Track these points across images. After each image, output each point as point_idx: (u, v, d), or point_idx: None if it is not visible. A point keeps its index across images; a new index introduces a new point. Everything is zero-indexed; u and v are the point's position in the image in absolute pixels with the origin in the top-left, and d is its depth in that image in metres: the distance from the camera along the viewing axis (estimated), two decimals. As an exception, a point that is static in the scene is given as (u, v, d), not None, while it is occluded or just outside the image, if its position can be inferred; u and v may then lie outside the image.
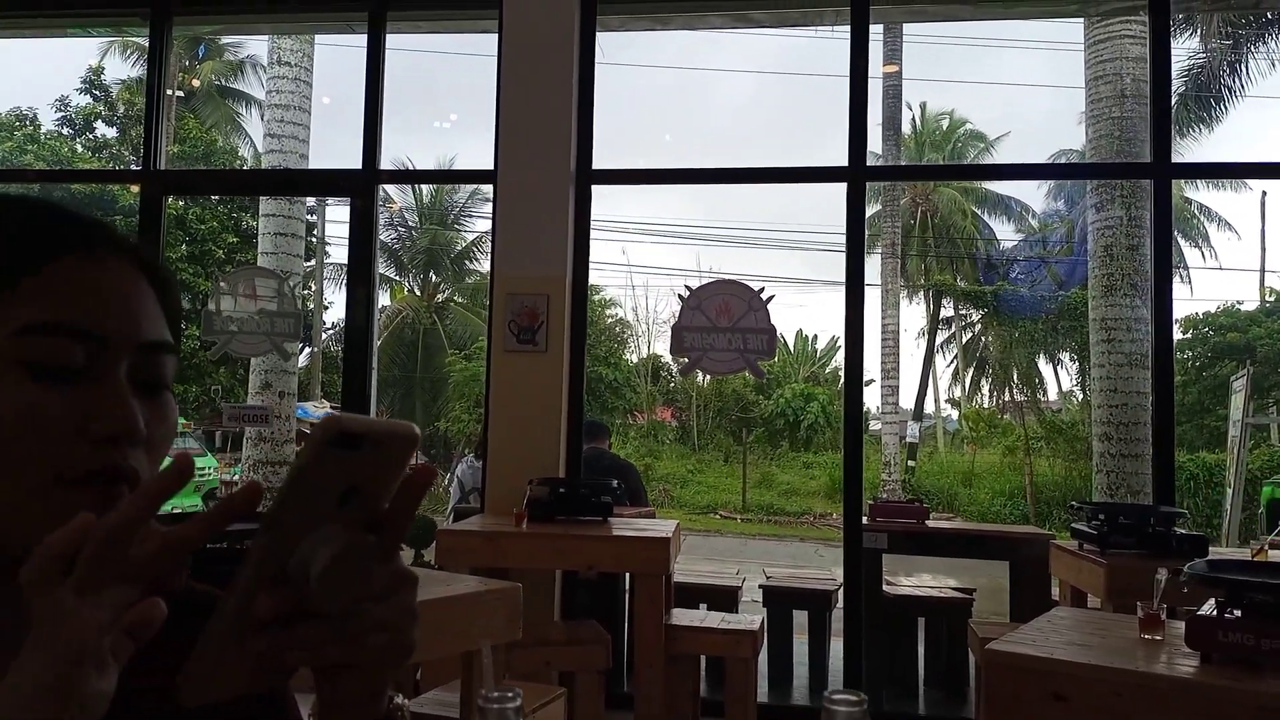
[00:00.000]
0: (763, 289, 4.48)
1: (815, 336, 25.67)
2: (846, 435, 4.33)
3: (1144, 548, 3.23)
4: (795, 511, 17.96)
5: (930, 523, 4.59)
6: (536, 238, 4.34)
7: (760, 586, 4.84)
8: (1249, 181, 18.64)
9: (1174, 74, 4.32)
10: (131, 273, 0.65)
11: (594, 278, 4.53)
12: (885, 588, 4.52)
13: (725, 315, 4.48)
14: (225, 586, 0.54)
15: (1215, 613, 1.81)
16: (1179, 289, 20.49)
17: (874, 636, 4.22)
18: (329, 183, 5.18)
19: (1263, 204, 21.51)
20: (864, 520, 4.30)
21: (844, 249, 4.33)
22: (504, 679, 2.50)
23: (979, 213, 22.77)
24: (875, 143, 16.61)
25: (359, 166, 4.62)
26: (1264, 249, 21.42)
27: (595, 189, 4.47)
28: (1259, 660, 1.74)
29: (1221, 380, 16.45)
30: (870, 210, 20.63)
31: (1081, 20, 8.31)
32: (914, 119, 23.14)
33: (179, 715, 0.69)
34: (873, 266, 17.74)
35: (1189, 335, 17.84)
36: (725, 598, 4.61)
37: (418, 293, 23.40)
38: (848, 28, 4.37)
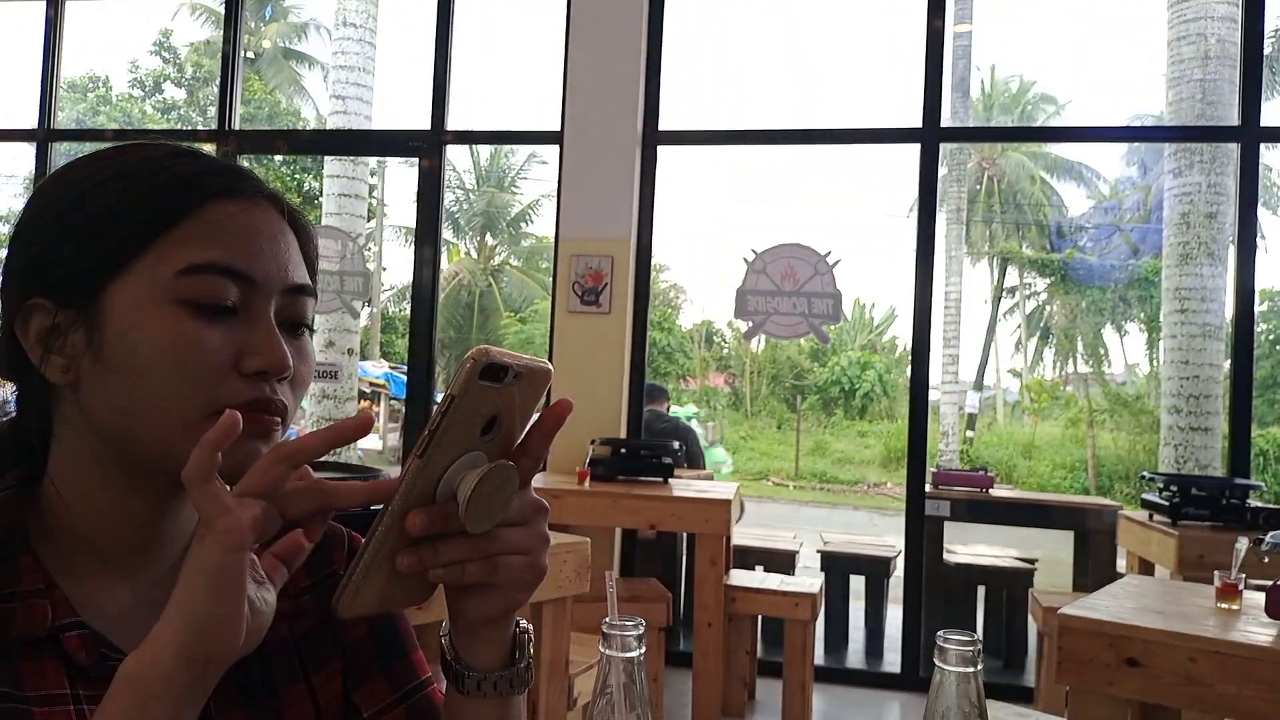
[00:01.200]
0: (829, 252, 4.44)
1: (873, 305, 25.36)
2: (912, 401, 4.30)
3: (1218, 520, 3.16)
4: (849, 480, 17.87)
5: (994, 492, 4.55)
6: (601, 200, 4.35)
7: (819, 551, 4.84)
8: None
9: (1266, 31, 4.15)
10: (277, 218, 0.68)
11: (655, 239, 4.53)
12: (946, 556, 4.49)
13: (790, 279, 4.45)
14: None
15: (1299, 584, 1.78)
16: (1260, 259, 19.77)
17: (933, 604, 4.21)
18: (398, 142, 5.23)
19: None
20: (927, 488, 4.27)
21: (904, 215, 4.28)
22: (567, 632, 2.55)
23: (1048, 179, 22.16)
24: (945, 105, 16.23)
25: (427, 127, 4.66)
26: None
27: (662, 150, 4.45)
28: (1343, 633, 1.71)
29: (1297, 356, 15.91)
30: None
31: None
32: (983, 81, 22.54)
33: (307, 636, 0.74)
34: (938, 232, 17.41)
35: (1264, 308, 17.26)
36: (783, 561, 4.63)
37: (474, 255, 23.60)
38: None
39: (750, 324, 4.54)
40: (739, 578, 3.75)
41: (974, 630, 4.56)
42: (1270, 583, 1.82)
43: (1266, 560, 1.92)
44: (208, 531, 0.53)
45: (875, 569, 4.72)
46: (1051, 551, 5.81)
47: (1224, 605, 1.98)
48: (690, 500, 3.50)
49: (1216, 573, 2.03)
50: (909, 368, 4.53)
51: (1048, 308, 21.86)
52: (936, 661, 0.61)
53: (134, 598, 0.67)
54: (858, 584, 4.79)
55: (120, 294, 0.62)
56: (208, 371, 0.62)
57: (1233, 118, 4.12)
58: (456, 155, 23.20)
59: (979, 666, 0.60)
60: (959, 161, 18.14)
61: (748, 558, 4.64)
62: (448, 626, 0.67)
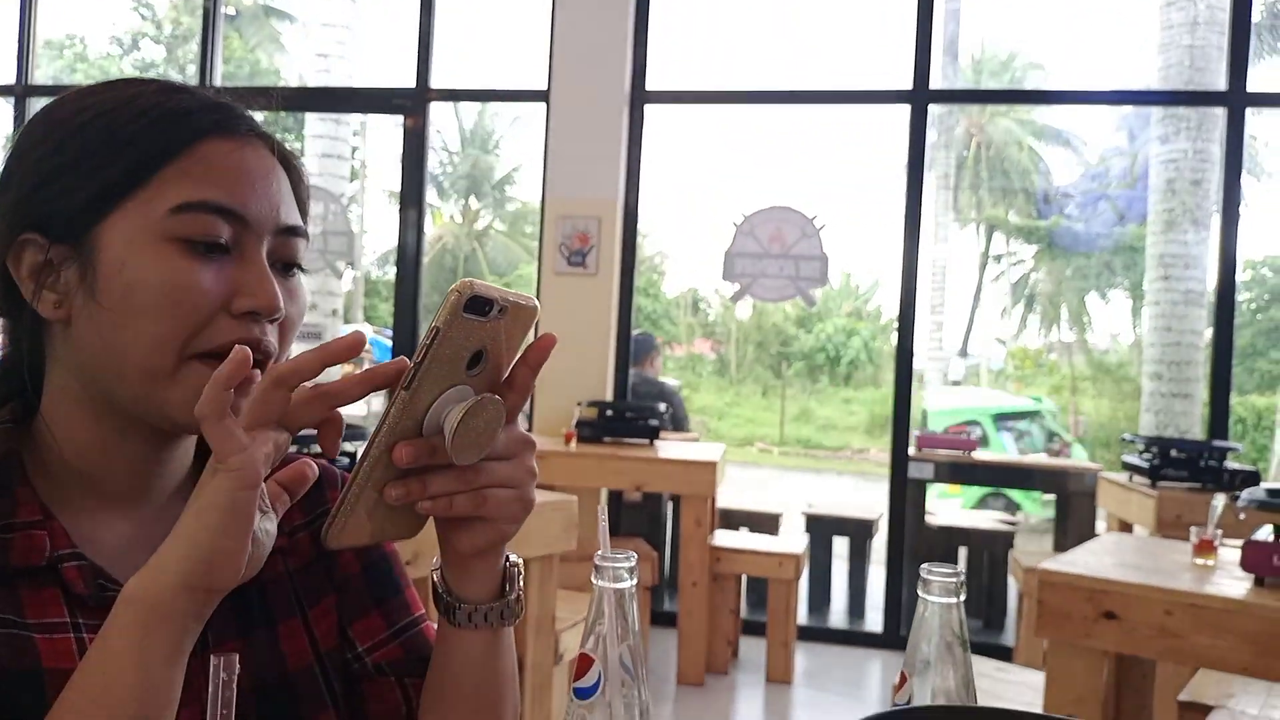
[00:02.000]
0: (816, 216, 4.44)
1: (860, 272, 25.38)
2: (897, 365, 4.32)
3: (1196, 481, 3.21)
4: (834, 446, 18.01)
5: (976, 455, 4.59)
6: (589, 160, 4.32)
7: (803, 514, 4.89)
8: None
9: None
10: (270, 158, 0.68)
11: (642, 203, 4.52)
12: (928, 518, 4.55)
13: (778, 241, 4.45)
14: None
15: (1272, 538, 1.81)
16: (1244, 227, 19.91)
17: (914, 565, 4.26)
18: (382, 100, 5.17)
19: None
20: (911, 450, 4.31)
21: (892, 182, 4.26)
22: (554, 589, 2.58)
23: (1036, 146, 22.13)
24: (935, 68, 16.18)
25: (411, 85, 4.61)
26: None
27: (650, 110, 4.42)
28: (1315, 586, 1.75)
29: (1277, 324, 16.05)
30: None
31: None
32: (974, 51, 22.40)
33: (302, 571, 0.75)
34: (925, 198, 17.40)
35: (1247, 276, 17.38)
36: (767, 523, 4.67)
37: (458, 219, 23.44)
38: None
39: (738, 286, 4.54)
40: (724, 538, 3.79)
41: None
42: (1246, 540, 1.86)
43: (1242, 518, 1.95)
44: (222, 467, 0.54)
45: (858, 531, 4.77)
46: (1030, 517, 5.89)
47: (1200, 561, 2.01)
48: (676, 462, 3.53)
49: (1194, 529, 2.07)
50: (895, 333, 4.55)
51: (1033, 275, 21.94)
52: (920, 593, 0.62)
53: (131, 532, 0.67)
54: (841, 546, 4.85)
55: (113, 230, 0.62)
56: (199, 310, 0.62)
57: (1220, 84, 4.12)
58: (441, 119, 22.95)
59: (961, 597, 0.62)
60: (947, 127, 18.10)
61: (732, 520, 4.68)
62: (439, 561, 0.68)
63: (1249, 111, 4.13)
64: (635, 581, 0.61)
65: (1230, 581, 1.86)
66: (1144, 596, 1.76)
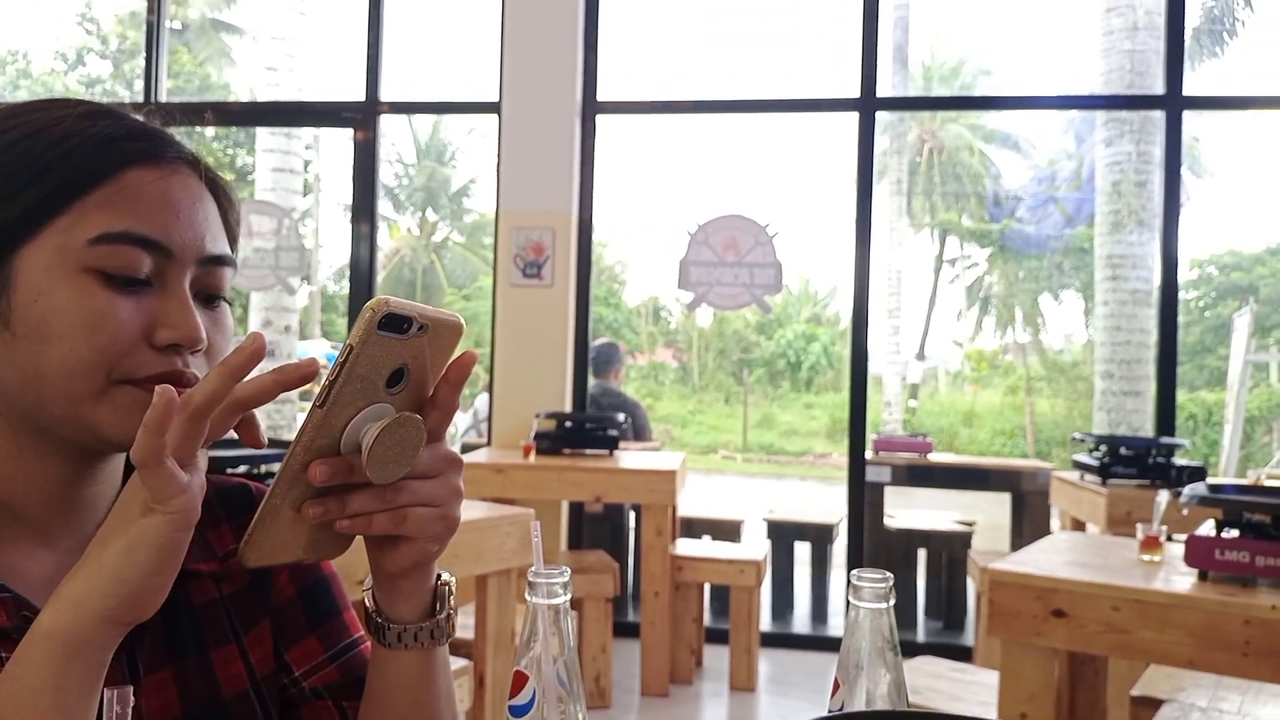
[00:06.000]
0: (769, 224, 4.47)
1: (817, 278, 25.59)
2: (853, 369, 4.35)
3: (1145, 477, 3.27)
4: (796, 451, 18.12)
5: (932, 457, 4.65)
6: (541, 171, 4.32)
7: (764, 520, 4.91)
8: (1259, 121, 18.37)
9: (1188, 3, 4.25)
10: (197, 185, 0.67)
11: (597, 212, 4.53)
12: (886, 521, 4.59)
13: (732, 250, 4.48)
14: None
15: (1214, 533, 1.85)
16: (1185, 226, 20.38)
17: (875, 568, 4.30)
18: (332, 113, 5.12)
19: None
20: (868, 454, 4.35)
21: (847, 186, 4.31)
22: (513, 603, 2.57)
23: (986, 150, 22.51)
24: (885, 78, 16.37)
25: (361, 98, 4.58)
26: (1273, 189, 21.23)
27: (602, 120, 4.43)
28: (1253, 576, 1.79)
29: (1223, 320, 16.44)
30: (878, 146, 20.46)
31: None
32: (923, 57, 22.77)
33: (236, 596, 0.74)
34: (879, 204, 17.59)
35: (1194, 274, 17.79)
36: (729, 530, 4.69)
37: (415, 231, 23.28)
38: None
39: (693, 295, 4.56)
40: (685, 547, 3.79)
41: (915, 593, 4.68)
42: (1189, 534, 1.90)
43: (1186, 513, 1.99)
44: (162, 509, 0.53)
45: (819, 536, 4.80)
46: (990, 516, 5.96)
47: (1146, 557, 2.05)
48: (636, 472, 3.53)
49: (1140, 526, 2.11)
50: (839, 343, 4.59)
51: (987, 277, 22.29)
52: (850, 599, 0.63)
53: (57, 562, 0.66)
54: (803, 551, 4.87)
55: (31, 259, 0.61)
56: (118, 343, 0.61)
57: (1159, 87, 4.22)
58: (395, 131, 22.80)
59: (891, 602, 0.62)
60: (900, 133, 18.35)
61: (695, 528, 4.69)
62: (370, 581, 0.67)
63: (1189, 114, 4.24)
64: (569, 597, 0.61)
65: (1175, 576, 1.90)
66: (1091, 594, 1.79)
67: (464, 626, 2.59)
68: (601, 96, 4.42)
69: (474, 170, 22.84)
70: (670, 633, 3.51)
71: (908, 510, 5.21)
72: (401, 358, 0.56)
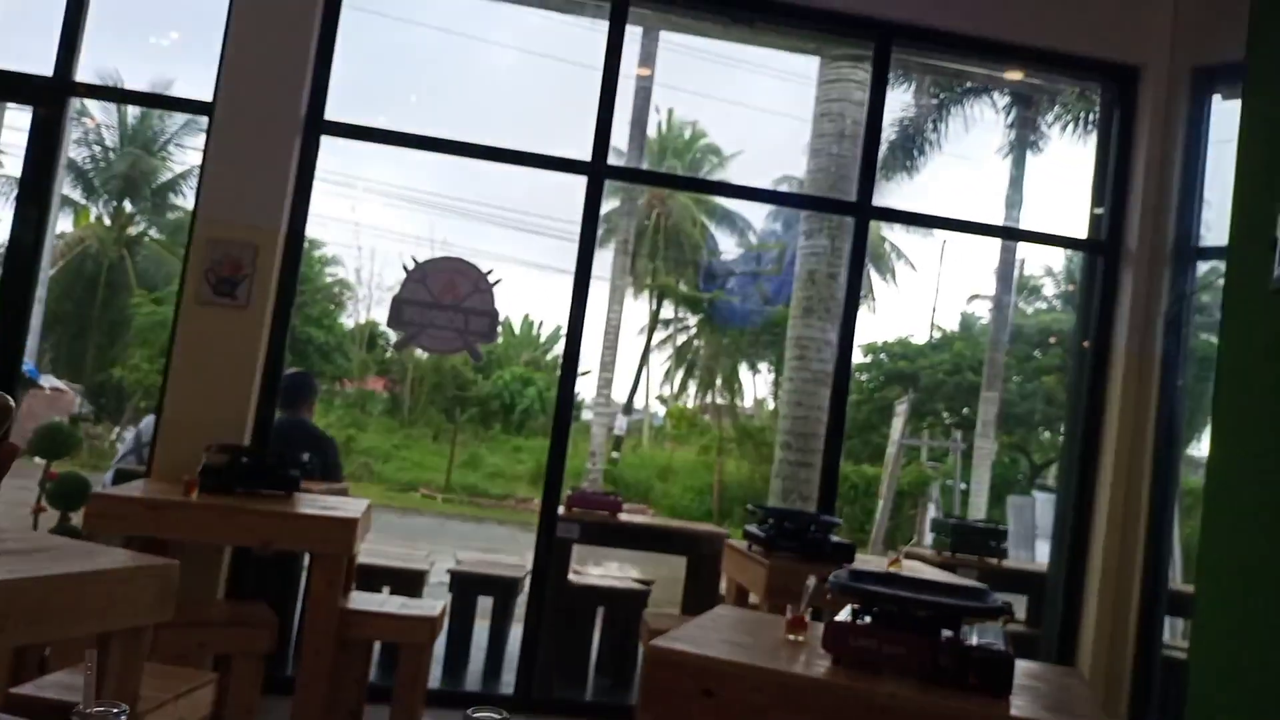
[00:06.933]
0: (490, 270, 4.44)
1: (541, 323, 25.93)
2: (556, 423, 4.36)
3: (803, 552, 3.53)
4: (498, 494, 18.05)
5: (623, 515, 4.77)
6: (252, 184, 4.02)
7: (449, 571, 4.79)
8: (937, 235, 21.03)
9: (886, 124, 4.77)
10: None
11: (317, 233, 4.25)
12: (572, 576, 4.63)
13: (450, 293, 4.40)
14: None
15: (850, 619, 2.01)
16: (866, 317, 22.84)
17: (554, 624, 4.31)
18: (9, 87, 4.45)
19: (942, 251, 24.51)
20: (560, 510, 4.37)
21: (574, 240, 4.37)
22: (140, 664, 2.28)
23: (708, 224, 24.05)
24: (622, 140, 17.02)
25: (50, 74, 4.05)
26: (938, 290, 24.41)
27: (327, 140, 4.22)
28: (880, 663, 1.96)
29: (889, 402, 18.52)
30: (610, 205, 21.17)
31: (818, 59, 9.01)
32: (660, 124, 24.01)
33: None
34: (605, 260, 18.16)
35: (868, 359, 19.91)
36: (411, 581, 4.52)
37: (107, 222, 20.94)
38: (607, 23, 4.41)
39: (404, 334, 4.42)
40: (358, 600, 3.59)
41: (589, 650, 4.73)
42: (828, 620, 2.05)
43: (829, 597, 2.15)
44: None
45: (504, 589, 4.76)
46: (678, 569, 6.22)
47: (791, 637, 2.19)
48: (312, 517, 3.30)
49: (789, 606, 2.25)
50: (555, 388, 4.63)
51: (696, 341, 23.68)
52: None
53: None
54: (486, 603, 4.80)
55: None
56: None
57: (854, 193, 4.70)
58: (99, 110, 20.47)
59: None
60: (632, 196, 19.12)
61: (375, 578, 4.48)
62: None
63: (875, 222, 4.73)
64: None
65: (816, 660, 2.03)
66: (736, 674, 1.87)
67: (74, 688, 2.25)
68: (330, 116, 4.20)
69: (187, 165, 20.96)
70: (329, 693, 3.28)
71: (595, 566, 5.30)
72: None
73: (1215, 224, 4.32)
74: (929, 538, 7.56)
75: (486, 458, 19.85)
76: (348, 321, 22.13)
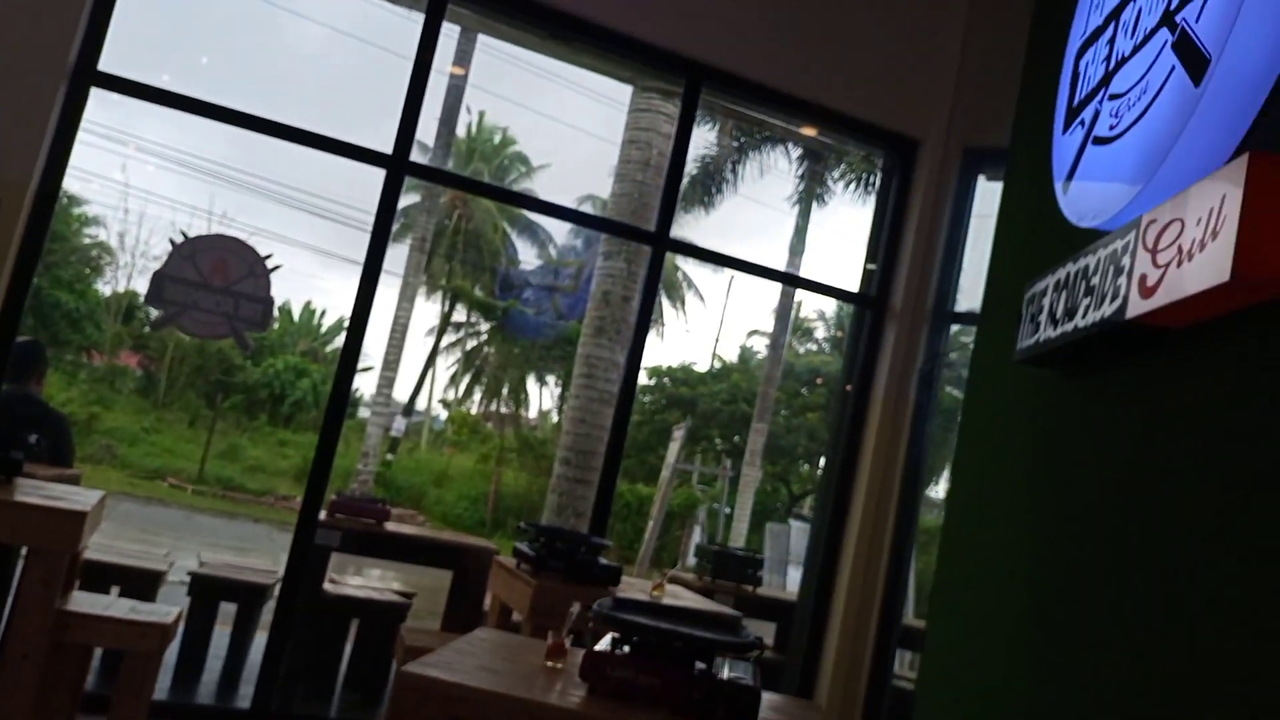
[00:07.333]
0: (270, 256, 4.17)
1: (324, 312, 24.77)
2: (327, 419, 4.11)
3: (571, 573, 3.51)
4: (257, 490, 16.97)
5: (390, 524, 4.60)
6: (1, 131, 3.58)
7: (190, 574, 4.43)
8: (726, 273, 21.89)
9: (689, 159, 4.90)
10: None
11: (80, 189, 3.84)
12: (328, 585, 4.40)
13: (220, 274, 4.09)
14: None
15: (610, 648, 2.01)
16: (654, 340, 23.44)
17: (303, 634, 4.07)
18: None
19: (729, 287, 25.60)
20: (322, 514, 4.15)
21: (367, 231, 4.19)
22: None
23: (510, 231, 23.88)
24: (429, 135, 16.57)
25: None
26: (722, 323, 25.45)
27: (99, 93, 3.83)
28: (636, 694, 1.97)
29: (667, 425, 19.06)
30: (411, 200, 20.56)
31: (630, 87, 9.18)
32: (470, 125, 23.64)
33: None
34: (399, 255, 17.62)
35: (651, 381, 20.42)
36: (145, 582, 4.14)
37: None
38: (423, 16, 4.27)
39: (163, 313, 4.06)
40: (80, 601, 3.23)
41: (339, 663, 4.51)
42: (586, 649, 2.04)
43: (591, 625, 2.15)
44: None
45: (249, 596, 4.45)
46: (444, 580, 6.06)
47: (550, 664, 2.17)
48: (32, 507, 2.93)
49: (550, 632, 2.23)
50: (330, 384, 4.39)
51: (486, 348, 23.40)
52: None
53: None
54: (229, 608, 4.47)
55: None
56: None
57: (653, 222, 4.79)
58: None
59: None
60: (434, 194, 18.67)
61: (105, 576, 4.06)
62: None
63: (670, 254, 4.83)
64: None
65: (572, 689, 2.01)
66: (489, 703, 1.83)
67: None
68: (107, 67, 3.80)
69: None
70: (36, 702, 2.93)
71: (355, 575, 5.07)
72: None
73: (970, 291, 4.75)
74: (692, 560, 7.81)
75: (248, 449, 18.63)
76: (104, 289, 20.22)
